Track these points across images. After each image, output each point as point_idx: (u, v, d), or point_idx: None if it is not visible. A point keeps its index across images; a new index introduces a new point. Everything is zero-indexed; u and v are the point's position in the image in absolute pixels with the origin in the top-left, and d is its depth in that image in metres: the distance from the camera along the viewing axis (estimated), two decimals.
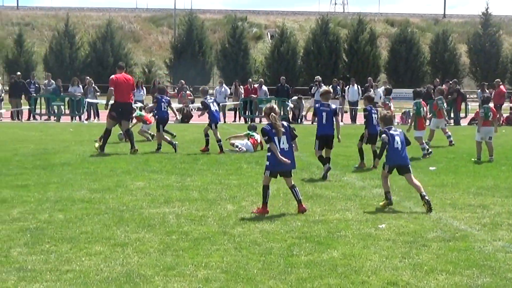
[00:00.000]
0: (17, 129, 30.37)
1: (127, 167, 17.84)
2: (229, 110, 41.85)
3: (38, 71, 70.48)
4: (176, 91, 42.14)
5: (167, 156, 20.31)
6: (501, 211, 12.53)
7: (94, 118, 38.88)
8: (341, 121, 39.10)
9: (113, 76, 21.95)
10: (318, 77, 41.39)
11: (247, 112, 39.56)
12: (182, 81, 44.59)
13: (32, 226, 10.71)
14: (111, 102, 21.49)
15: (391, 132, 13.23)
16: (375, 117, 19.03)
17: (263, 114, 13.28)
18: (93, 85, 39.90)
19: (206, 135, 22.07)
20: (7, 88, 42.15)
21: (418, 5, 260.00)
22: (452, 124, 38.53)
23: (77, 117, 38.31)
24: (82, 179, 15.58)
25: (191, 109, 39.02)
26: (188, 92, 41.20)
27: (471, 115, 40.06)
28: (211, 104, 22.35)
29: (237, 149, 21.93)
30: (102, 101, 28.57)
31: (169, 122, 23.77)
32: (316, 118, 17.64)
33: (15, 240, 9.89)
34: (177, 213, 11.96)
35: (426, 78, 77.97)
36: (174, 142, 22.11)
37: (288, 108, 39.14)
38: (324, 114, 16.89)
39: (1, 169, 17.02)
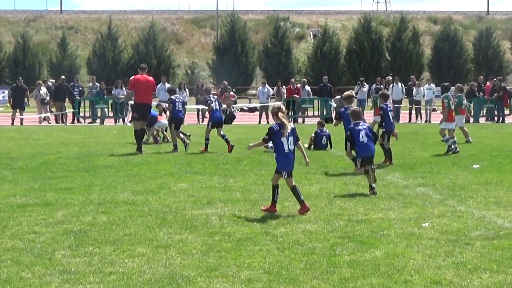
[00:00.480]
0: (61, 132, 30.67)
1: (170, 169, 17.92)
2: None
3: (82, 74, 71.37)
4: (219, 91, 42.26)
5: (210, 158, 20.37)
6: None
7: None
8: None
9: (132, 77, 22.30)
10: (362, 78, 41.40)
11: (289, 112, 39.47)
12: (225, 82, 44.76)
13: (76, 229, 10.79)
14: (131, 102, 21.54)
15: (358, 127, 14.50)
16: (391, 114, 19.56)
17: (270, 113, 13.35)
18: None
19: (207, 138, 22.02)
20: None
21: (461, 2, 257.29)
22: (497, 121, 38.20)
23: (121, 120, 38.55)
24: (126, 181, 15.67)
25: (234, 110, 39.11)
26: (231, 93, 41.31)
27: None
28: (213, 104, 22.02)
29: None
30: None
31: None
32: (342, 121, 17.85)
33: (59, 242, 9.97)
34: (219, 214, 11.97)
35: (470, 75, 77.42)
36: (186, 141, 22.29)
37: (331, 108, 38.99)
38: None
39: (45, 172, 17.20)
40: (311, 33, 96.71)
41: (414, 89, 40.21)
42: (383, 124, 19.37)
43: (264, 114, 39.23)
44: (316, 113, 41.02)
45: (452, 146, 21.32)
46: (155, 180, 15.89)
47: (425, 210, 12.21)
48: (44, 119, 38.36)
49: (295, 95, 39.66)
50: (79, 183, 15.36)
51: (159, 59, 75.85)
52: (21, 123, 37.29)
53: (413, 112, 40.21)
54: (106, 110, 39.69)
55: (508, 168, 17.95)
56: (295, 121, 38.20)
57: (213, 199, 13.41)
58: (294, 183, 12.29)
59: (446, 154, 21.03)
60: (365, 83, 40.95)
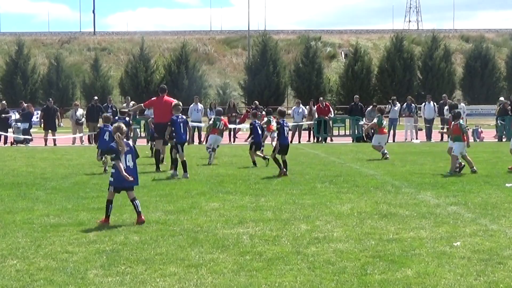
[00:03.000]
0: (94, 153, 30.66)
1: (201, 188, 18.00)
2: (304, 129, 41.77)
3: (114, 95, 71.76)
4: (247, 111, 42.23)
5: (241, 177, 20.43)
6: None
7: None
8: (416, 138, 39.29)
9: (153, 98, 23.85)
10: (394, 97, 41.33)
11: (319, 131, 39.41)
12: (256, 102, 44.84)
13: (108, 248, 10.87)
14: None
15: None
16: (286, 130, 21.79)
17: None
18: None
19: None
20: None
21: (494, 20, 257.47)
22: None
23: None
24: (157, 201, 15.78)
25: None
26: (263, 113, 41.34)
27: None
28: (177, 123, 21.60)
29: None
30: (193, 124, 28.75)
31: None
32: None
33: (92, 262, 10.05)
34: (251, 233, 12.00)
35: (502, 93, 76.81)
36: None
37: (362, 128, 38.88)
38: None
39: (79, 192, 17.35)
40: (342, 52, 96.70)
41: (445, 108, 40.06)
42: (277, 138, 21.68)
43: (297, 133, 39.35)
44: (347, 132, 41.02)
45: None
46: (186, 200, 15.96)
47: (456, 229, 12.15)
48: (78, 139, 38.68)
49: (325, 116, 39.52)
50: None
51: (191, 79, 76.12)
52: (54, 144, 37.62)
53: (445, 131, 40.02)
54: (138, 130, 39.89)
55: None
56: (325, 140, 38.18)
57: (244, 218, 13.45)
58: (134, 196, 13.20)
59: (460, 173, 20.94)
60: (397, 102, 40.87)
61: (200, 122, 39.25)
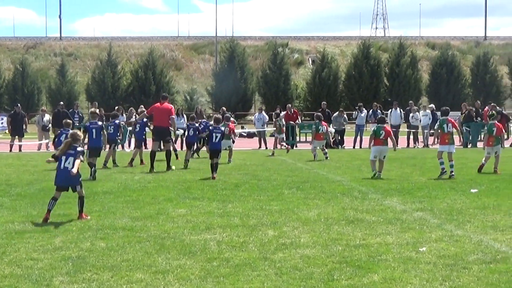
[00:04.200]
0: None
1: (168, 194, 17.95)
2: (271, 136, 41.75)
3: (81, 101, 71.34)
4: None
5: (208, 183, 20.42)
6: None
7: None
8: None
9: (155, 104, 25.98)
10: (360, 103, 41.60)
11: (289, 137, 39.40)
12: (223, 108, 44.79)
13: (74, 255, 10.81)
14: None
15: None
16: (214, 135, 23.04)
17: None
18: (135, 113, 40.11)
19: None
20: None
21: (459, 27, 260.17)
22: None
23: (120, 146, 38.46)
24: (124, 207, 15.70)
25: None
26: (232, 119, 41.32)
27: None
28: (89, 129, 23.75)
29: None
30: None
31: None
32: None
33: (57, 269, 9.98)
34: (218, 239, 11.99)
35: (467, 100, 77.49)
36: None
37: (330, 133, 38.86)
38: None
39: (44, 198, 17.16)
40: (309, 58, 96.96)
41: (411, 114, 40.34)
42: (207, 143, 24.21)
43: (262, 140, 39.31)
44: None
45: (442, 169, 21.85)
46: (153, 206, 15.91)
47: (422, 235, 12.23)
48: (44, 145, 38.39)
49: (291, 121, 39.50)
50: (78, 209, 15.37)
51: (158, 85, 75.90)
52: (20, 150, 37.30)
53: (411, 137, 40.28)
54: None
55: (506, 192, 18.00)
56: (293, 146, 38.21)
57: (211, 224, 13.43)
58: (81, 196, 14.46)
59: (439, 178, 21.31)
60: (363, 108, 41.05)
61: None
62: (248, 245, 11.49)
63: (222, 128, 23.92)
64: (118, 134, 28.07)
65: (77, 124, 39.22)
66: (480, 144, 38.21)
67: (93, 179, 21.25)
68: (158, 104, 25.49)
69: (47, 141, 38.73)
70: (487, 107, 41.56)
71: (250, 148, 38.43)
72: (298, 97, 79.60)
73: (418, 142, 40.19)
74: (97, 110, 28.80)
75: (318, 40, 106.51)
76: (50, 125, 39.10)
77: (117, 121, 27.96)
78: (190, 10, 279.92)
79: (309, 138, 40.96)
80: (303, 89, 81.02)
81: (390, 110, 41.28)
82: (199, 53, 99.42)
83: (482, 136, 39.11)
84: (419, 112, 41.32)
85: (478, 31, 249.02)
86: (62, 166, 14.33)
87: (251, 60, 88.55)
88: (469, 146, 38.41)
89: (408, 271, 9.71)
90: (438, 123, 23.13)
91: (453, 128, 22.52)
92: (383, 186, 19.48)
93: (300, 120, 41.72)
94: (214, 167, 22.22)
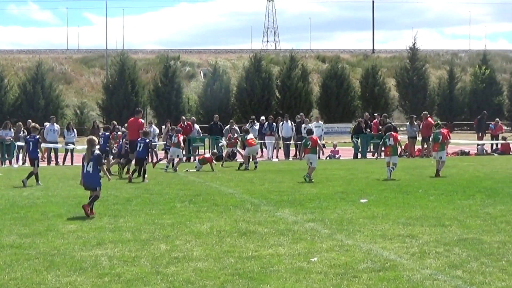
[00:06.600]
0: None
1: (58, 210, 17.64)
2: (163, 149, 41.57)
3: None
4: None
5: (99, 199, 20.12)
6: (429, 240, 12.74)
7: (24, 162, 38.18)
8: (276, 157, 39.83)
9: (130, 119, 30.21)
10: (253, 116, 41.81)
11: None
12: (114, 122, 44.33)
13: None
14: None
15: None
16: (139, 145, 26.39)
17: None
18: (22, 128, 39.31)
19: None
20: None
21: (349, 41, 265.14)
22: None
23: (7, 161, 37.66)
24: (12, 224, 15.34)
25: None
26: (120, 133, 40.93)
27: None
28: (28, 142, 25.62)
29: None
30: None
31: None
32: None
33: None
34: (109, 255, 11.86)
35: (357, 112, 79.06)
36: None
37: (220, 145, 38.94)
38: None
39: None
40: (201, 72, 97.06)
41: (303, 125, 40.79)
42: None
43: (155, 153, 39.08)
44: (207, 151, 41.06)
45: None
46: (42, 222, 15.60)
47: (314, 245, 12.38)
48: None
49: (183, 136, 39.31)
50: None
51: (47, 99, 74.53)
52: None
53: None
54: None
55: (394, 201, 18.41)
56: (188, 159, 38.16)
57: (102, 239, 13.27)
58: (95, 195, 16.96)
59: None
60: (256, 121, 41.29)
61: (56, 142, 38.47)
62: (140, 260, 11.40)
63: (147, 140, 26.82)
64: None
65: None
66: (369, 155, 39.13)
67: None
68: (133, 118, 29.41)
69: None
70: (376, 119, 42.46)
71: None
72: (190, 110, 79.50)
73: None
74: None
75: (210, 53, 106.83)
76: None
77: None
78: (81, 23, 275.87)
79: (201, 151, 41.10)
80: (195, 102, 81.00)
81: (281, 122, 41.61)
82: (89, 67, 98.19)
83: (371, 147, 40.07)
84: (311, 123, 41.82)
85: (366, 44, 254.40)
86: (85, 170, 17.04)
87: (143, 73, 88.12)
88: (359, 157, 39.15)
89: (299, 281, 9.81)
90: (383, 137, 26.64)
91: (395, 142, 25.72)
92: (275, 198, 19.63)
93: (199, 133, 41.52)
94: (142, 172, 25.75)
